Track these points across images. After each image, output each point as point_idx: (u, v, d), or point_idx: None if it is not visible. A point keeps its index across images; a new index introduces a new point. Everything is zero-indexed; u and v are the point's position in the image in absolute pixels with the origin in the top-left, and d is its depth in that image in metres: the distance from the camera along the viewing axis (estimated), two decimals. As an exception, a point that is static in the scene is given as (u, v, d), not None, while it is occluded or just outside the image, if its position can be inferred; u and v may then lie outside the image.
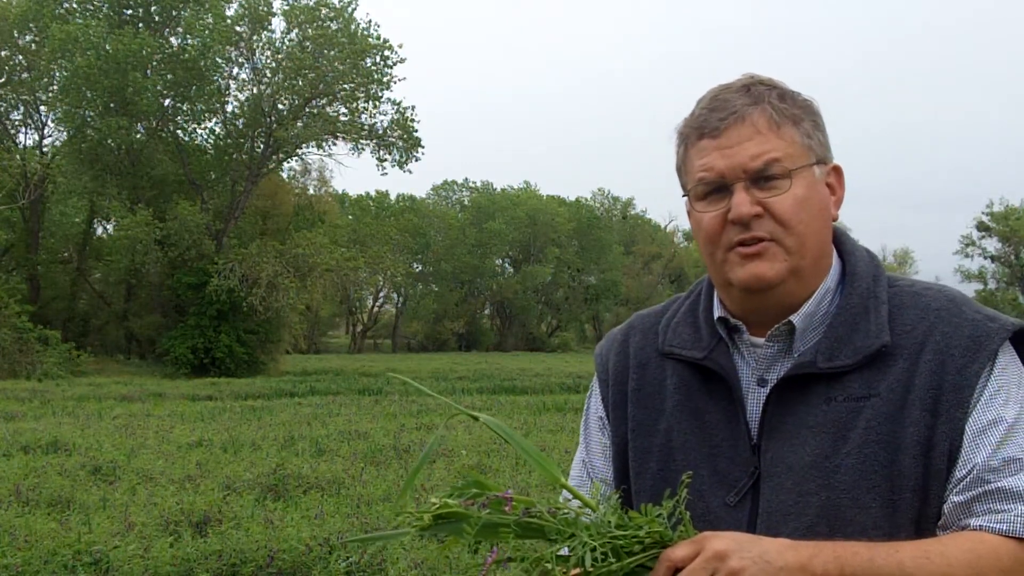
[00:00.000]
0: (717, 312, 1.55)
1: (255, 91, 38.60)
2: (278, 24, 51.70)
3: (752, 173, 1.43)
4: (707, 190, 1.47)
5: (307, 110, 38.72)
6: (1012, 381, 1.42)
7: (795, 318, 1.48)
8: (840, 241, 1.57)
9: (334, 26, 37.59)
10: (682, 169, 1.52)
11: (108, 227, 43.39)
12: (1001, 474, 1.35)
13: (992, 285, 63.75)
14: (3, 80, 39.65)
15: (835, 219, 1.53)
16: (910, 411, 1.40)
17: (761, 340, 1.51)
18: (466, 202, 78.62)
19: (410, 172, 44.52)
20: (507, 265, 77.14)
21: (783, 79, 1.52)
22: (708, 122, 1.45)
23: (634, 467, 1.59)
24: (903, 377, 1.42)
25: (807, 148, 1.46)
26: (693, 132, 1.48)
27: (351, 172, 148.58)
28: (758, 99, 1.45)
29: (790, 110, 1.45)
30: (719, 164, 1.44)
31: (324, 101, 38.80)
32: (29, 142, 42.28)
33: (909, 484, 1.39)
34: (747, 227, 1.43)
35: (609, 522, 1.29)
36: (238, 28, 37.55)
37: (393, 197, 73.08)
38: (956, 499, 1.37)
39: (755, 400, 1.50)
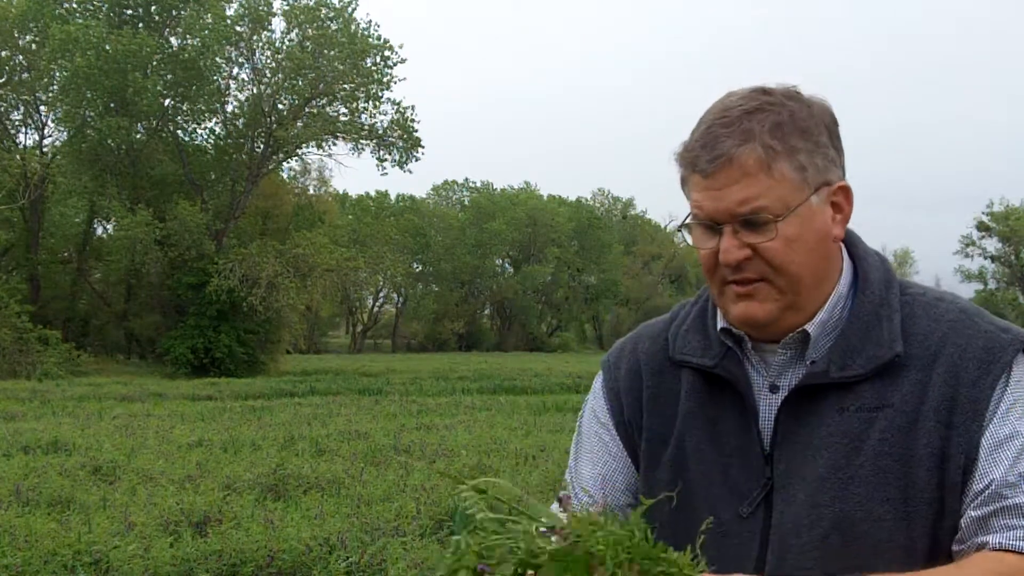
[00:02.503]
0: (720, 323, 1.54)
1: (255, 91, 38.63)
2: (278, 24, 51.56)
3: (739, 218, 1.41)
4: (700, 225, 1.46)
5: (307, 110, 38.76)
6: None
7: (809, 327, 1.47)
8: (852, 245, 1.56)
9: (334, 26, 37.62)
10: (684, 188, 1.51)
11: (108, 227, 43.38)
12: (1017, 489, 1.35)
13: (992, 285, 63.79)
14: (3, 80, 39.65)
15: (838, 238, 1.49)
16: (924, 423, 1.39)
17: (773, 346, 1.50)
18: (466, 202, 78.64)
19: (410, 172, 44.66)
20: (507, 265, 77.15)
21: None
22: (699, 160, 1.43)
23: (646, 477, 1.57)
24: (916, 388, 1.41)
25: (802, 181, 1.41)
26: (687, 165, 1.46)
27: (351, 172, 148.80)
28: (748, 136, 1.39)
29: (785, 142, 1.40)
30: (708, 206, 1.43)
31: (324, 101, 38.84)
32: (29, 142, 42.35)
33: (924, 497, 1.38)
34: (738, 269, 1.43)
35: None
36: (238, 28, 37.59)
37: (393, 197, 73.16)
38: (973, 514, 1.36)
39: (767, 407, 1.49)
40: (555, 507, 1.19)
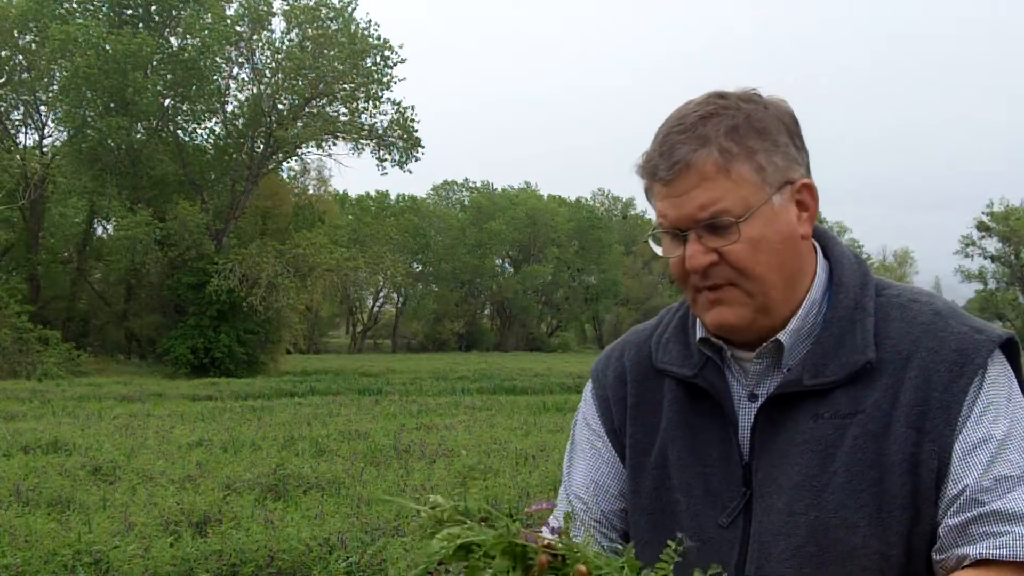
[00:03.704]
0: (700, 333, 1.53)
1: (255, 91, 38.65)
2: (278, 24, 51.81)
3: (702, 223, 1.41)
4: (667, 233, 1.46)
5: (307, 110, 38.77)
6: (1001, 396, 1.39)
7: (782, 336, 1.46)
8: (827, 246, 1.55)
9: (334, 26, 37.63)
10: (648, 199, 1.52)
11: (108, 227, 43.42)
12: (994, 494, 1.33)
13: (992, 285, 63.84)
14: (3, 80, 39.66)
15: (806, 236, 1.48)
16: (896, 428, 1.38)
17: (749, 355, 1.49)
18: (466, 202, 78.66)
19: (410, 172, 44.59)
20: (507, 265, 77.16)
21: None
22: (658, 169, 1.43)
23: (631, 485, 1.58)
24: (888, 393, 1.40)
25: (761, 182, 1.41)
26: (648, 175, 1.47)
27: (352, 172, 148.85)
28: (704, 141, 1.40)
29: (741, 144, 1.40)
30: (671, 214, 1.43)
31: (324, 101, 38.85)
32: (29, 142, 42.38)
33: (898, 503, 1.37)
34: (705, 275, 1.43)
35: None
36: (238, 28, 37.60)
37: (393, 197, 73.15)
38: (951, 522, 1.35)
39: (746, 416, 1.49)
40: (545, 530, 1.20)
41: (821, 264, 1.52)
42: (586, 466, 1.63)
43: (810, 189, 1.47)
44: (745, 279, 1.42)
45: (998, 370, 1.41)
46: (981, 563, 1.32)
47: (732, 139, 1.40)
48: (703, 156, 1.40)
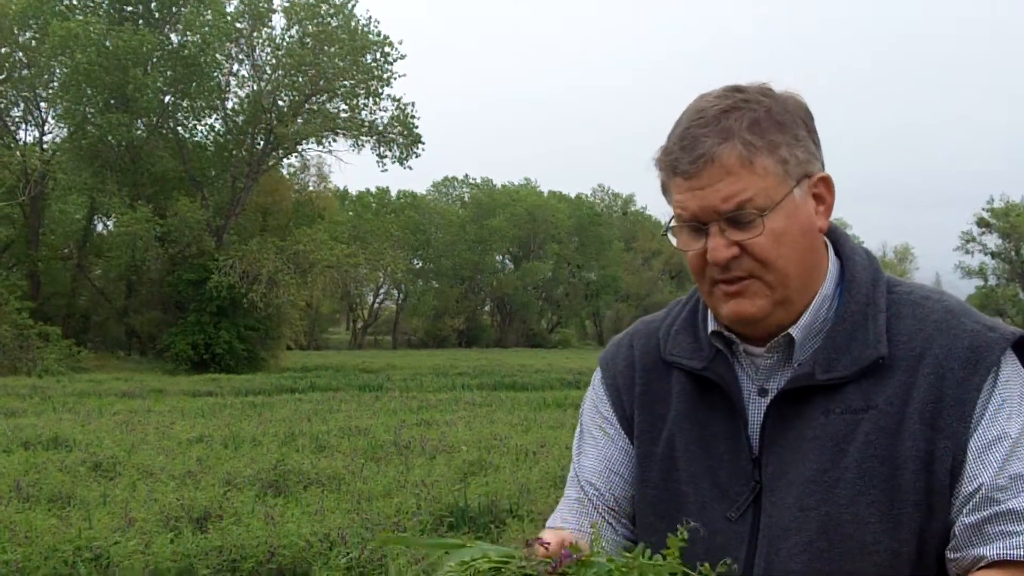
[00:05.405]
0: (711, 326, 1.53)
1: (255, 87, 38.66)
2: (278, 20, 51.59)
3: (725, 214, 1.40)
4: (686, 227, 1.45)
5: (307, 106, 38.77)
6: (1015, 394, 1.39)
7: (794, 330, 1.46)
8: (839, 243, 1.54)
9: (334, 22, 37.63)
10: (665, 194, 1.51)
11: (108, 224, 43.44)
12: (1009, 492, 1.33)
13: (992, 281, 63.74)
14: (4, 77, 39.62)
15: (823, 230, 1.48)
16: (909, 425, 1.38)
17: (760, 350, 1.49)
18: (466, 198, 78.60)
19: (410, 168, 44.55)
20: (507, 261, 77.11)
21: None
22: (680, 162, 1.42)
23: (639, 475, 1.57)
24: (901, 390, 1.40)
25: (784, 174, 1.41)
26: (668, 169, 1.45)
27: (353, 168, 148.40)
28: (728, 135, 1.39)
29: (764, 137, 1.40)
30: (692, 205, 1.42)
31: (324, 97, 38.85)
32: (29, 139, 42.33)
33: (911, 499, 1.37)
34: (726, 268, 1.42)
35: None
36: (238, 24, 37.57)
37: (394, 193, 73.07)
38: (967, 520, 1.35)
39: (756, 411, 1.49)
40: (547, 534, 1.21)
41: (832, 260, 1.52)
42: (597, 453, 1.62)
43: (827, 182, 1.48)
44: (767, 271, 1.42)
45: (1011, 368, 1.42)
46: (997, 564, 1.32)
47: (755, 132, 1.40)
48: (727, 150, 1.39)
